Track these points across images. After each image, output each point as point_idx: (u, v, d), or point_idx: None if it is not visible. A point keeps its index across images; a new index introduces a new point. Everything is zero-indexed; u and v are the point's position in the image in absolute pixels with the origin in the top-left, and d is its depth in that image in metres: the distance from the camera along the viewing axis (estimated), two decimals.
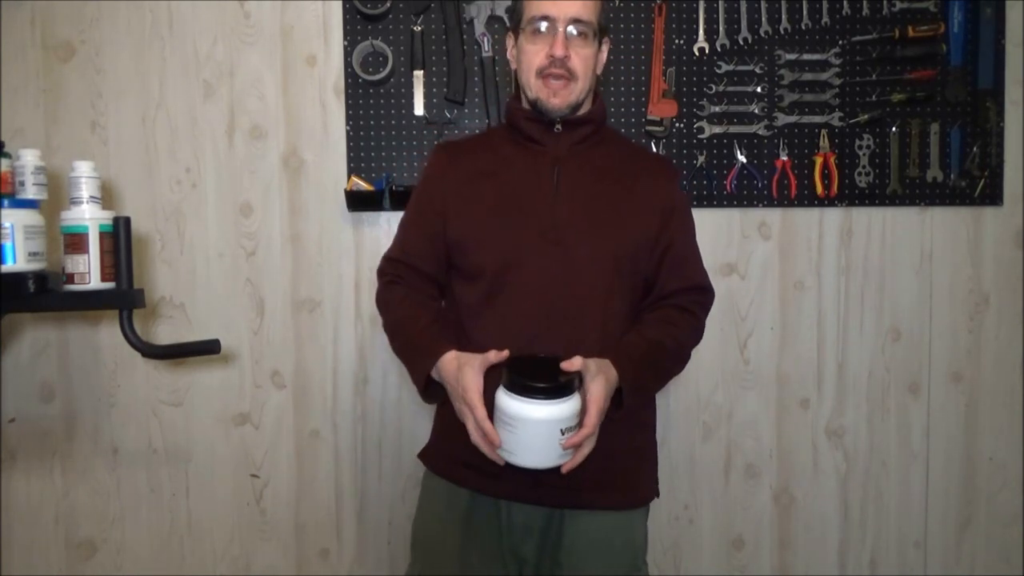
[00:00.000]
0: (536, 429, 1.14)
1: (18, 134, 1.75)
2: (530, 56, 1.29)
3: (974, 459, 2.05)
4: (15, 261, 1.23)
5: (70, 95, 1.79)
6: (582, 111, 1.33)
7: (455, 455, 1.31)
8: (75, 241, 1.25)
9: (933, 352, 2.03)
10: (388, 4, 1.80)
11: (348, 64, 1.82)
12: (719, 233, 1.96)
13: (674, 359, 1.34)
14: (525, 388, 1.15)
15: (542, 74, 1.28)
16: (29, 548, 1.82)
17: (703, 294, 1.38)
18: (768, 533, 2.02)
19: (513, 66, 1.38)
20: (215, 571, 1.87)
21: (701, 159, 1.92)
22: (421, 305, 1.35)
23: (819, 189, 1.94)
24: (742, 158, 1.93)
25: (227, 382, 1.86)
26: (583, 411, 1.16)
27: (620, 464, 1.30)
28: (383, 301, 1.42)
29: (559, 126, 1.32)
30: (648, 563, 1.38)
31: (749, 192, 1.94)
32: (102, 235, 1.26)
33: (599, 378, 1.17)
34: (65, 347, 1.81)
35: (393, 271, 1.40)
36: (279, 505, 1.89)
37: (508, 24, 1.37)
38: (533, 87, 1.30)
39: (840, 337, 2.00)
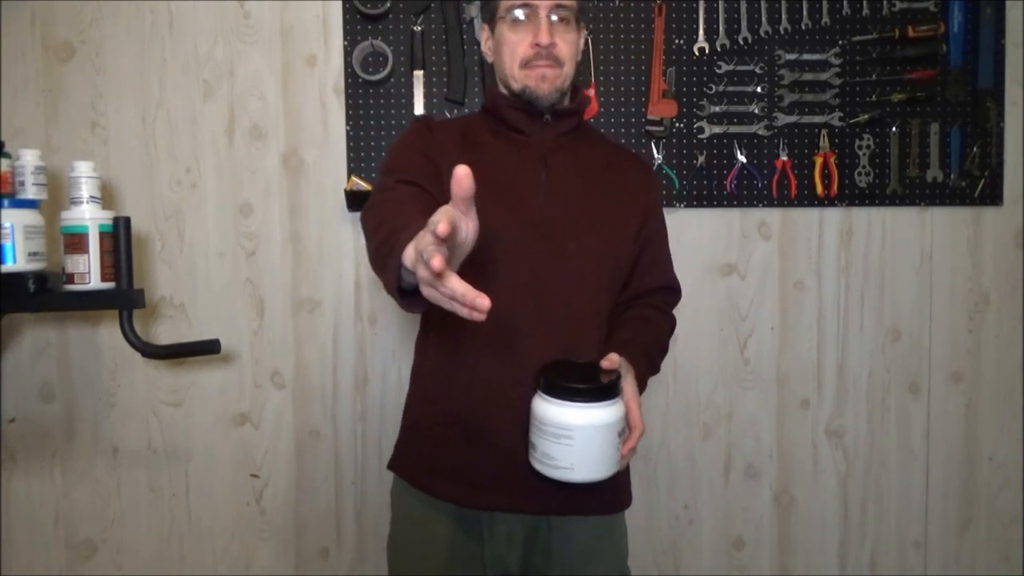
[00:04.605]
0: (597, 436, 1.02)
1: (18, 134, 1.75)
2: (513, 46, 1.22)
3: (974, 459, 2.05)
4: (15, 261, 1.24)
5: (70, 95, 1.78)
6: (567, 102, 1.29)
7: (427, 462, 1.25)
8: (75, 241, 1.25)
9: (933, 352, 2.03)
10: (388, 4, 1.80)
11: (348, 64, 1.82)
12: (719, 233, 1.96)
13: (660, 360, 1.34)
14: (575, 392, 1.02)
15: (527, 64, 1.21)
16: (29, 548, 1.82)
17: (674, 294, 1.39)
18: (768, 533, 2.01)
19: (490, 59, 1.31)
20: (215, 571, 1.87)
21: (701, 159, 1.92)
22: (407, 215, 1.01)
23: (819, 189, 1.94)
24: (742, 158, 1.93)
25: (227, 382, 1.86)
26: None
27: None
28: (367, 229, 1.10)
29: (548, 116, 1.26)
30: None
31: (749, 192, 1.94)
32: (102, 235, 1.26)
33: (630, 376, 1.13)
34: (65, 347, 1.81)
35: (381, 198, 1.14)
36: (279, 505, 1.88)
37: (482, 17, 1.29)
38: (519, 78, 1.23)
39: (840, 337, 2.00)
